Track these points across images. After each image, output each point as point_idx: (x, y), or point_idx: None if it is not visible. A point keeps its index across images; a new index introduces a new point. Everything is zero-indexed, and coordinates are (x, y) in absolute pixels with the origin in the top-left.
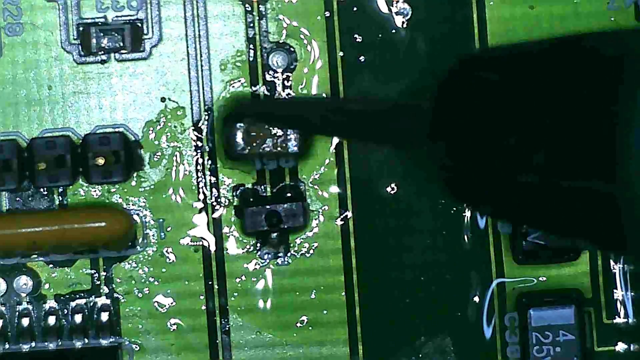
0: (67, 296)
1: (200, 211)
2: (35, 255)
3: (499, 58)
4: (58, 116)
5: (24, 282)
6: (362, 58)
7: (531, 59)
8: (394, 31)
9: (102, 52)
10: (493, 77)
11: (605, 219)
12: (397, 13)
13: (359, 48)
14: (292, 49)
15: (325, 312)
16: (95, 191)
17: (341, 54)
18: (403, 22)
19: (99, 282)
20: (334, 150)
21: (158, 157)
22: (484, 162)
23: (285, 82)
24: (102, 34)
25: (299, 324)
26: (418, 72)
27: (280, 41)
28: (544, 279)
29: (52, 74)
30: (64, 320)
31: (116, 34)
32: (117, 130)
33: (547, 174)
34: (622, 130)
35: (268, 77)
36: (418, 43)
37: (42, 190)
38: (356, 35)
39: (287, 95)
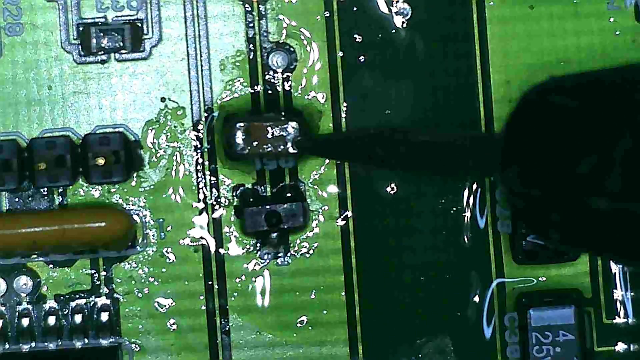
0: (67, 296)
1: (200, 211)
2: (35, 255)
3: (576, 86)
4: (58, 116)
5: (24, 282)
6: (362, 58)
7: (605, 87)
8: (394, 31)
9: (102, 52)
10: (571, 103)
11: None
12: (397, 13)
13: (359, 48)
14: (292, 49)
15: (325, 312)
16: (95, 191)
17: (341, 54)
18: (403, 22)
19: (99, 282)
20: None
21: (158, 157)
22: (556, 187)
23: (285, 82)
24: (102, 34)
25: (299, 324)
26: (418, 72)
27: (280, 41)
28: (544, 279)
29: (52, 74)
30: (64, 320)
31: (116, 34)
32: (117, 130)
33: (619, 198)
34: None
35: (268, 77)
36: (418, 43)
37: (42, 190)
38: (356, 35)
39: (354, 129)
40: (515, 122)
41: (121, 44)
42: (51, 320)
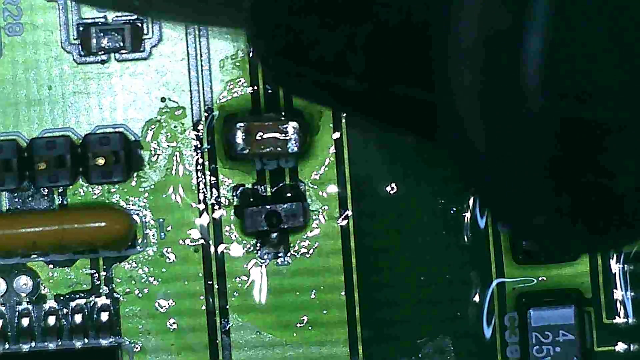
0: (67, 296)
1: (200, 211)
2: (35, 255)
3: None
4: (58, 116)
5: (23, 282)
6: None
7: None
8: None
9: (102, 52)
10: None
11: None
12: None
13: None
14: None
15: (325, 312)
16: (95, 191)
17: None
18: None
19: (99, 282)
20: (334, 150)
21: (158, 157)
22: (308, 62)
23: None
24: (102, 34)
25: (299, 324)
26: None
27: None
28: (544, 278)
29: (52, 74)
30: (63, 320)
31: (116, 34)
32: (117, 130)
33: (369, 80)
34: (438, 36)
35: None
36: None
37: (42, 190)
38: None
39: None
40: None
41: (121, 44)
42: (51, 320)
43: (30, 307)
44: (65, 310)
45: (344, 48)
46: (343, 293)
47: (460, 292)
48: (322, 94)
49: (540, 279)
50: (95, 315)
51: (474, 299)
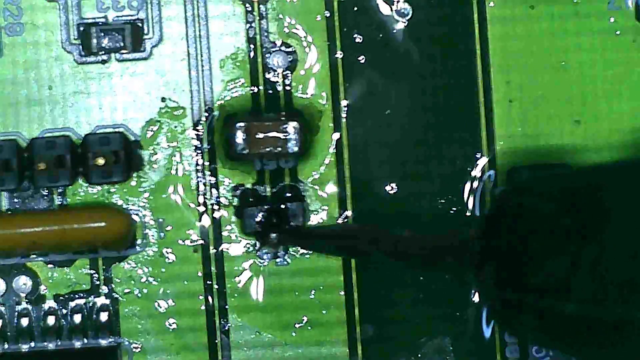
0: (67, 296)
1: (199, 211)
2: (35, 255)
3: (549, 189)
4: (58, 116)
5: (23, 282)
6: (362, 58)
7: (577, 191)
8: (394, 31)
9: (103, 52)
10: (544, 207)
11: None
12: (397, 13)
13: (360, 48)
14: (292, 49)
15: (324, 312)
16: (95, 191)
17: (341, 54)
18: (403, 22)
19: (98, 282)
20: (334, 150)
21: (158, 157)
22: (528, 290)
23: (286, 82)
24: (102, 34)
25: (298, 324)
26: (418, 72)
27: (281, 41)
28: None
29: (53, 74)
30: (63, 320)
31: (117, 34)
32: (117, 130)
33: (586, 303)
34: None
35: (268, 77)
36: (418, 43)
37: (42, 190)
38: (356, 35)
39: (336, 225)
40: (490, 222)
41: (122, 44)
42: (50, 320)
43: (29, 307)
44: (64, 310)
45: (568, 272)
46: (342, 293)
47: (460, 292)
48: (539, 323)
49: None
50: (94, 316)
51: (474, 299)
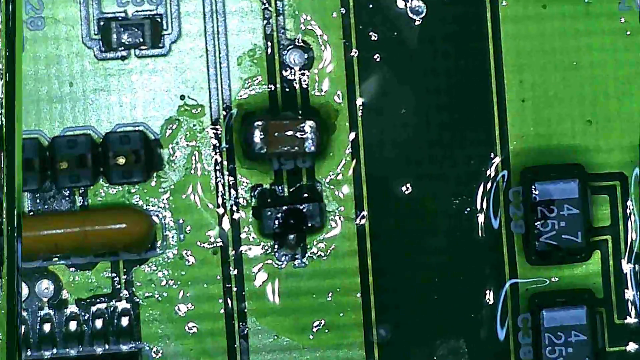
0: (88, 300)
1: (219, 213)
2: (57, 259)
3: None
4: (79, 114)
5: (45, 286)
6: (376, 56)
7: None
8: (409, 29)
9: (123, 48)
10: None
11: None
12: (412, 11)
13: (374, 46)
14: (308, 46)
15: (341, 314)
16: (115, 192)
17: (356, 52)
18: (418, 21)
19: (119, 286)
20: (350, 150)
21: (177, 156)
22: None
23: (302, 79)
24: (122, 29)
25: (315, 327)
26: (432, 71)
27: (297, 38)
28: (556, 279)
29: (73, 71)
30: (84, 326)
31: (136, 29)
32: (137, 129)
33: None
34: None
35: (285, 75)
36: (432, 41)
37: (63, 191)
38: (371, 33)
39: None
40: None
41: (141, 40)
42: (72, 325)
43: (51, 312)
44: (86, 315)
45: None
46: (359, 295)
47: (474, 293)
48: None
49: (552, 279)
50: (115, 320)
51: (488, 300)
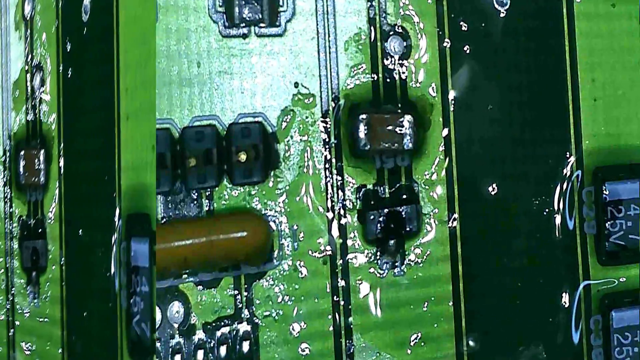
0: (213, 324)
1: (328, 217)
2: (186, 276)
3: None
4: (206, 100)
5: (176, 309)
6: (466, 48)
7: None
8: (494, 21)
9: (244, 25)
10: None
11: None
12: (497, 2)
13: (464, 37)
14: (407, 33)
15: (435, 325)
16: (237, 194)
17: (448, 42)
18: (502, 12)
19: (240, 305)
20: (443, 148)
21: (291, 152)
22: None
23: (401, 69)
24: (243, 2)
25: (412, 342)
26: (515, 66)
27: (397, 24)
28: (624, 279)
29: (200, 48)
30: (210, 355)
31: (256, 4)
32: (256, 120)
33: None
34: None
35: (386, 64)
36: (515, 35)
37: (192, 193)
38: (462, 23)
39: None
40: None
41: (260, 16)
42: (199, 355)
43: (181, 340)
44: (211, 342)
45: None
46: (451, 303)
47: (552, 296)
48: None
49: (620, 279)
50: (237, 346)
51: (564, 303)
